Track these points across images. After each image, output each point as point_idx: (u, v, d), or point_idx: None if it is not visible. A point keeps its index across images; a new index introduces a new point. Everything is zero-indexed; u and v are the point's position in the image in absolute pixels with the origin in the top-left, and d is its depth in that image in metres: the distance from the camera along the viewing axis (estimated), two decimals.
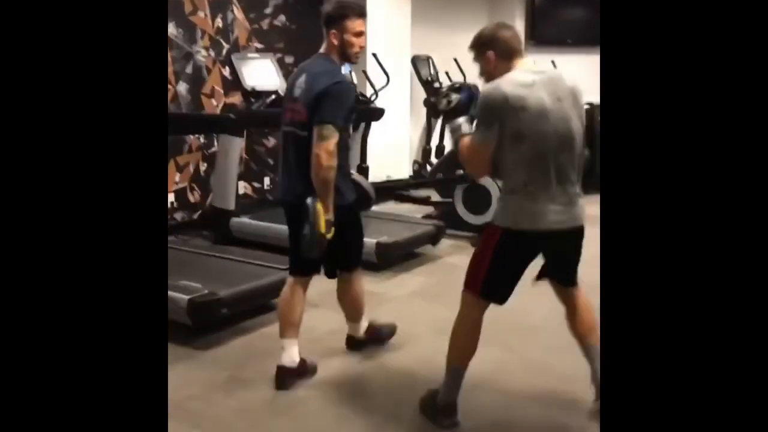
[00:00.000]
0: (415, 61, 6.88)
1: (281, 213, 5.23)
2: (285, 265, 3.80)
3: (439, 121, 7.13)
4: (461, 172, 5.25)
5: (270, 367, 3.00)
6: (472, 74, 2.63)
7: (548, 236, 2.28)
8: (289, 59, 6.23)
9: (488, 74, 2.32)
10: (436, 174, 6.13)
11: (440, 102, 2.48)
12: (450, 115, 2.45)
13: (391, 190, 6.35)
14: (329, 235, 2.54)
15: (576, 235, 2.36)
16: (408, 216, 5.44)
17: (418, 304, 3.90)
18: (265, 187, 6.13)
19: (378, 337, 3.19)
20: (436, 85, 6.88)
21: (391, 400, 2.72)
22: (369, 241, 4.44)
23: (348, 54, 2.66)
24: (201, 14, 5.44)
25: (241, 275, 3.67)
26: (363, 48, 2.69)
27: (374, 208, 6.14)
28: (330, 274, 2.96)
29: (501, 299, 2.40)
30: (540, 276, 2.50)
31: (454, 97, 2.45)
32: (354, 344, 3.16)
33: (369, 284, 4.16)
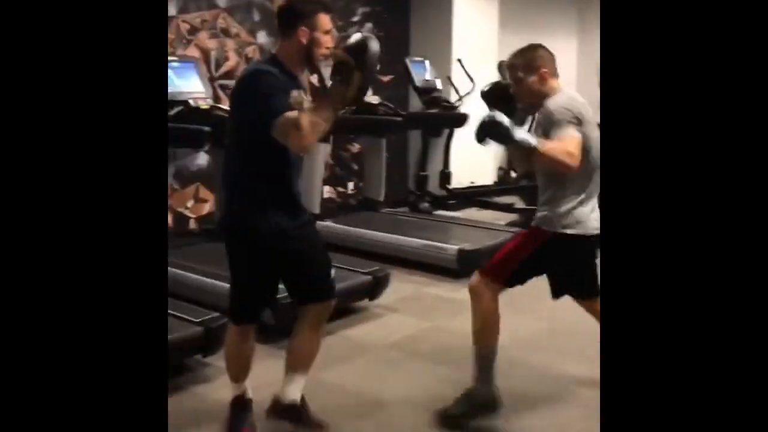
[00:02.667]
0: (501, 67, 6.81)
1: (365, 217, 5.37)
2: (368, 268, 3.88)
3: (525, 127, 7.01)
4: None
5: (350, 370, 3.05)
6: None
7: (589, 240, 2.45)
8: None
9: (536, 90, 2.47)
10: (521, 180, 6.04)
11: None
12: None
13: (474, 196, 6.31)
14: None
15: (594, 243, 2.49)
16: (491, 223, 5.38)
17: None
18: (349, 191, 6.23)
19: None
20: None
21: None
22: (450, 247, 4.44)
23: (315, 55, 2.18)
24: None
25: None
26: (330, 49, 2.21)
27: (456, 213, 6.14)
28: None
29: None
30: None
31: None
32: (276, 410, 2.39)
33: (449, 291, 4.16)
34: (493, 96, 2.60)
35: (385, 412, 2.69)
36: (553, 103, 2.38)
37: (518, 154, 2.62)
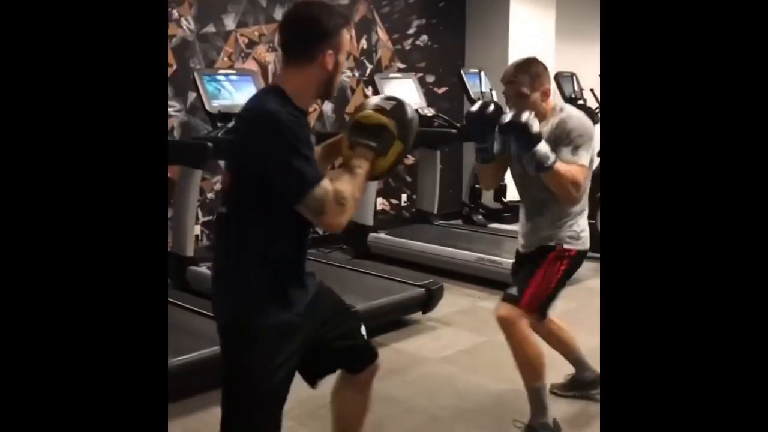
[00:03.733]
0: (558, 79, 6.72)
1: (418, 229, 5.35)
2: (421, 281, 3.85)
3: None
4: None
5: (402, 383, 3.03)
6: None
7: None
8: (429, 78, 6.31)
9: (538, 108, 2.35)
10: None
11: None
12: None
13: None
14: None
15: None
16: None
17: None
18: (402, 203, 6.23)
19: None
20: (580, 102, 6.67)
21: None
22: (505, 260, 4.38)
23: (334, 84, 1.70)
24: (347, 36, 5.64)
25: (377, 290, 3.74)
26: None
27: (511, 227, 6.04)
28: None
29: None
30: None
31: None
32: None
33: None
34: (483, 118, 2.38)
35: (437, 426, 2.66)
36: (574, 122, 2.33)
37: (489, 169, 2.55)
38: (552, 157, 2.24)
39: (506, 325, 2.40)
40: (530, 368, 2.41)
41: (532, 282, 2.40)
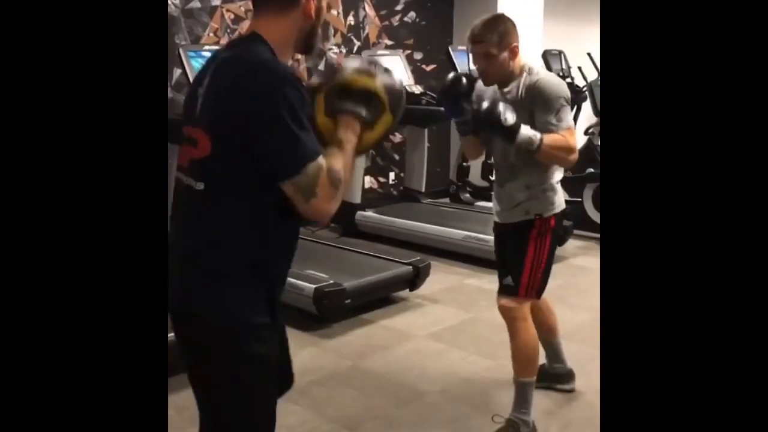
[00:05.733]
0: (546, 56, 6.71)
1: (406, 208, 5.37)
2: (409, 259, 3.88)
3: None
4: (591, 170, 5.07)
5: (390, 359, 3.06)
6: None
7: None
8: (417, 55, 6.28)
9: (506, 68, 2.25)
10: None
11: None
12: None
13: None
14: None
15: None
16: None
17: None
18: (390, 181, 6.23)
19: None
20: (568, 80, 6.67)
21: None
22: (491, 238, 4.38)
23: (316, 35, 1.48)
24: (334, 12, 5.60)
25: (364, 267, 3.76)
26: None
27: None
28: None
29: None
30: None
31: None
32: None
33: (489, 283, 4.13)
34: (455, 93, 2.29)
35: (424, 401, 2.70)
36: (548, 86, 2.22)
37: (471, 140, 2.46)
38: (537, 138, 2.14)
39: (507, 313, 2.37)
40: (524, 361, 2.36)
41: (525, 265, 2.31)
